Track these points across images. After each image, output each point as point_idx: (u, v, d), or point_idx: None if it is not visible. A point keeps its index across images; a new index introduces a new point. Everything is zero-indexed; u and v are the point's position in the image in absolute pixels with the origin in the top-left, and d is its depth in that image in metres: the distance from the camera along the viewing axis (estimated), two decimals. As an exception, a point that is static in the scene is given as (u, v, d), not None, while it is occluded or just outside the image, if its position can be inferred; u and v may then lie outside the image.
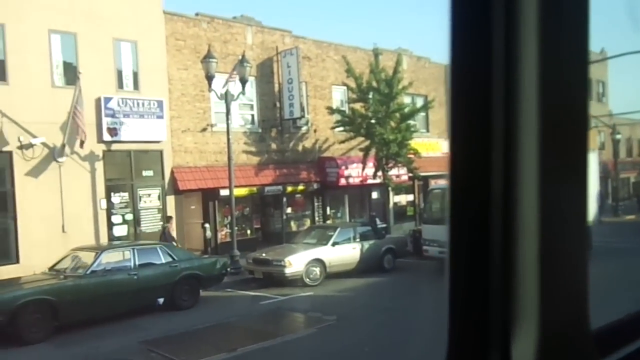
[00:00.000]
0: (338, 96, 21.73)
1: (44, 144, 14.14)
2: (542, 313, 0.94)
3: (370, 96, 19.16)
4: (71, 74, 14.51)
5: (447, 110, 0.98)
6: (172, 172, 16.64)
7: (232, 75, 15.63)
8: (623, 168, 35.51)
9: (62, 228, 14.21)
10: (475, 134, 0.96)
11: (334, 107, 20.32)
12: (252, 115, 19.24)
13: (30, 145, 13.89)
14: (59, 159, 14.37)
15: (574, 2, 0.95)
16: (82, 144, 14.02)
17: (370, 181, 20.37)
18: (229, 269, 13.40)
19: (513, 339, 0.96)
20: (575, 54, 0.96)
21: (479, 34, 0.94)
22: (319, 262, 13.69)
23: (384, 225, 19.21)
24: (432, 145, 24.34)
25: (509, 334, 0.96)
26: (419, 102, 22.81)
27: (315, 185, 20.24)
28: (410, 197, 24.33)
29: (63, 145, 14.23)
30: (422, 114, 22.40)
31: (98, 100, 15.04)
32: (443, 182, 20.19)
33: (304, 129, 20.46)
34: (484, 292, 0.97)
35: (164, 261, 11.50)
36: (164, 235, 14.34)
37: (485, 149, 0.95)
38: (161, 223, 16.32)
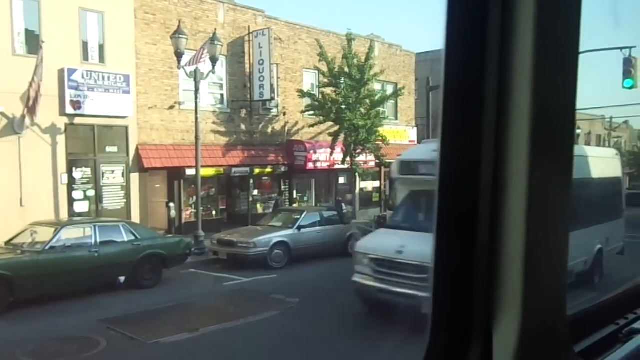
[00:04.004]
0: (309, 80, 21.61)
1: (3, 114, 13.62)
2: (525, 303, 0.96)
3: (342, 81, 19.14)
4: (34, 42, 13.95)
5: (442, 104, 0.98)
6: (137, 149, 16.29)
7: (200, 56, 15.29)
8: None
9: (19, 202, 13.78)
10: (467, 129, 0.97)
11: (305, 90, 20.21)
12: (222, 95, 18.96)
13: (-12, 115, 13.37)
14: (19, 131, 13.87)
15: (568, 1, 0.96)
16: (31, 117, 13.47)
17: (337, 166, 20.44)
18: (192, 249, 13.27)
19: (495, 328, 0.98)
20: (567, 53, 0.97)
21: (475, 28, 0.94)
22: (284, 245, 13.71)
23: (350, 210, 19.37)
24: (400, 133, 24.57)
25: (491, 323, 0.99)
26: (389, 90, 22.92)
27: (282, 168, 20.17)
28: (377, 184, 24.55)
29: (23, 117, 13.72)
30: (392, 101, 22.53)
31: (61, 72, 14.54)
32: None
33: (274, 111, 20.31)
34: (468, 282, 0.99)
35: (126, 239, 11.30)
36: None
37: (476, 143, 0.96)
38: (124, 201, 16.02)
